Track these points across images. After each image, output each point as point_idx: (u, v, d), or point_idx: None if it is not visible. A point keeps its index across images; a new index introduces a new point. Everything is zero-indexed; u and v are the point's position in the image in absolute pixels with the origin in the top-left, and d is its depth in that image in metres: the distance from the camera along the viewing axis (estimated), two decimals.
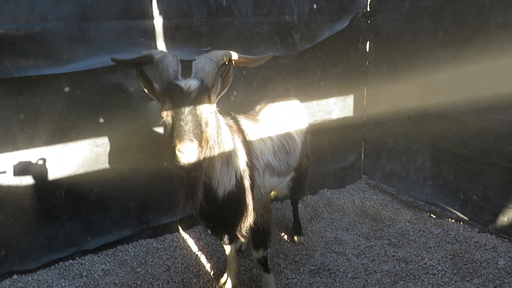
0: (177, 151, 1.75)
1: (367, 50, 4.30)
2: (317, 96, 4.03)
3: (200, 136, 1.84)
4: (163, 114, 1.90)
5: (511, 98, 3.07)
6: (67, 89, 2.84)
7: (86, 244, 3.28)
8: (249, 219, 2.39)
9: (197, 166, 1.85)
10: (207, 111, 1.91)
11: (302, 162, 3.12)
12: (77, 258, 3.27)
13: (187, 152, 1.74)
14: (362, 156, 4.76)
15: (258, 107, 2.97)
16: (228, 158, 2.17)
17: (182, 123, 1.79)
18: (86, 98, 2.93)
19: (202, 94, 1.87)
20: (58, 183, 3.03)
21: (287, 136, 2.88)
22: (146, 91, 2.05)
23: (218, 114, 2.14)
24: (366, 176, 4.79)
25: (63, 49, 2.74)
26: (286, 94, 3.32)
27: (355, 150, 4.60)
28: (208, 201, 2.15)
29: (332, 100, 4.17)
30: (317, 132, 4.11)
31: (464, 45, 3.34)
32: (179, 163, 1.78)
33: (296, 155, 2.97)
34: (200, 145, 1.84)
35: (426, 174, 3.98)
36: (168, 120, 1.88)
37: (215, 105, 2.02)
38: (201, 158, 1.88)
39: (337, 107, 4.24)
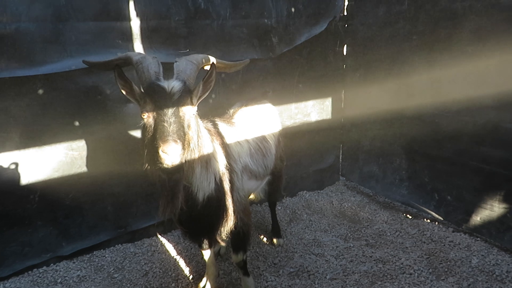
0: (160, 153, 1.73)
1: (345, 53, 4.36)
2: (295, 98, 4.06)
3: (183, 138, 1.83)
4: (144, 115, 1.88)
5: (482, 101, 3.16)
6: (41, 91, 2.77)
7: (61, 250, 3.20)
8: (229, 223, 2.39)
9: (180, 168, 1.85)
10: (190, 113, 1.91)
11: (277, 164, 3.15)
12: (52, 264, 3.19)
13: (172, 154, 1.73)
14: (340, 158, 4.82)
15: (231, 111, 2.98)
16: (207, 161, 2.16)
17: (166, 124, 1.78)
18: (60, 101, 2.87)
19: (184, 96, 1.87)
20: (32, 187, 2.94)
21: (262, 139, 2.90)
22: (124, 93, 2.01)
23: (198, 118, 2.13)
24: (344, 178, 4.85)
25: (36, 51, 2.68)
26: (264, 96, 3.33)
27: (333, 152, 4.66)
28: (188, 205, 2.13)
29: (310, 103, 4.21)
30: (296, 134, 4.14)
31: (438, 49, 3.42)
32: (163, 164, 1.77)
33: (272, 157, 3.00)
34: (183, 147, 1.82)
35: (402, 175, 4.05)
36: (150, 122, 1.86)
37: (196, 107, 2.01)
38: (184, 161, 1.87)
39: (315, 110, 4.28)
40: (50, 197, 3.03)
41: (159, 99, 1.83)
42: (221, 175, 2.30)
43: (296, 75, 4.00)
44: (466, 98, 3.25)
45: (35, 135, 2.84)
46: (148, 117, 1.87)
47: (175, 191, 1.91)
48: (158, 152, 1.74)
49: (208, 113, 3.45)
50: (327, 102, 4.36)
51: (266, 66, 3.78)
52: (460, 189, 3.50)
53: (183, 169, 1.89)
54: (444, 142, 3.54)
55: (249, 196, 3.08)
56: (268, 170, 2.98)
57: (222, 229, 2.41)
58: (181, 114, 1.85)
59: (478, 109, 3.22)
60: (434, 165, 3.69)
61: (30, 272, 3.10)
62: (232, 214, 2.39)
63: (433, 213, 3.76)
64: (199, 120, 2.13)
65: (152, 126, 1.84)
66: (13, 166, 2.84)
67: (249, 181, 2.71)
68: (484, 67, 3.09)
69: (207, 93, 2.05)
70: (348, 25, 4.25)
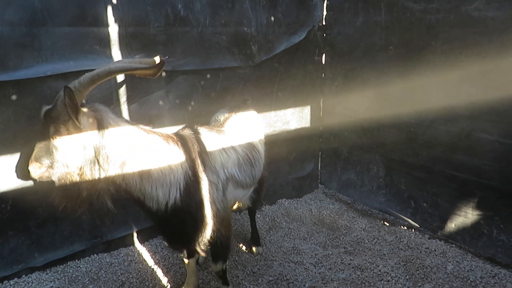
0: None
1: (323, 62, 4.42)
2: (275, 106, 4.08)
3: (44, 157, 2.07)
4: None
5: (456, 110, 3.26)
6: (14, 97, 2.69)
7: (34, 260, 3.09)
8: (205, 234, 2.40)
9: (47, 178, 2.13)
10: (53, 136, 2.02)
11: (263, 173, 3.14)
12: (23, 276, 3.07)
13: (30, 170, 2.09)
14: (319, 166, 4.85)
15: (222, 118, 2.96)
16: (145, 174, 2.16)
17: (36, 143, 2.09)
18: (35, 107, 2.78)
19: (46, 122, 2.03)
20: (3, 196, 2.83)
21: (252, 148, 2.87)
22: None
23: (127, 131, 2.13)
24: (323, 186, 4.88)
25: (10, 55, 2.60)
26: (244, 104, 3.33)
27: (312, 160, 4.69)
28: (152, 215, 2.31)
29: (289, 111, 4.23)
30: (275, 142, 4.15)
31: (413, 60, 3.51)
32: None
33: (260, 167, 2.98)
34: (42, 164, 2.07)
35: (379, 183, 4.11)
36: None
37: (78, 130, 2.02)
38: (54, 175, 2.08)
39: (294, 118, 4.31)
40: (22, 206, 2.92)
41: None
42: (187, 186, 2.28)
43: (275, 83, 4.03)
44: (441, 108, 3.34)
45: (7, 142, 2.74)
46: None
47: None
48: None
49: (187, 120, 3.45)
50: (306, 110, 4.39)
51: (246, 74, 3.79)
52: (436, 196, 3.57)
53: (72, 180, 2.08)
54: (420, 150, 3.62)
55: (235, 204, 3.05)
56: (256, 179, 2.96)
57: (199, 239, 2.40)
58: (45, 136, 2.05)
59: (452, 118, 3.31)
60: (410, 173, 3.76)
61: (0, 284, 2.98)
62: (206, 226, 2.39)
63: (410, 220, 3.83)
64: (126, 135, 2.12)
65: None
66: None
67: (236, 190, 2.69)
68: (457, 77, 3.19)
69: (78, 113, 1.98)
70: (327, 34, 4.31)
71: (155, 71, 2.18)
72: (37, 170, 2.08)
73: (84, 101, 2.18)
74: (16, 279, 3.04)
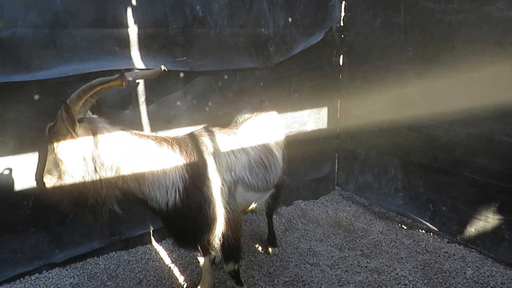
0: None
1: (341, 63, 4.39)
2: (291, 108, 4.08)
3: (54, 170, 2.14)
4: None
5: (476, 112, 3.19)
6: (36, 97, 2.76)
7: (54, 257, 3.17)
8: (208, 234, 2.44)
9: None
10: (58, 150, 2.10)
11: (282, 178, 3.11)
12: (44, 271, 3.15)
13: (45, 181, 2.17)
14: (336, 168, 4.82)
15: (241, 119, 2.97)
16: (144, 177, 2.24)
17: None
18: (56, 107, 2.83)
19: (51, 136, 2.11)
20: (25, 193, 2.92)
21: (267, 152, 2.85)
22: None
23: (118, 136, 2.19)
24: (339, 187, 4.84)
25: (33, 56, 2.67)
26: (261, 105, 3.33)
27: (329, 161, 4.66)
28: (155, 214, 2.39)
29: (306, 112, 4.22)
30: (291, 143, 4.11)
31: (433, 61, 3.46)
32: None
33: (277, 171, 2.94)
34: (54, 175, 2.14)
35: (397, 186, 4.06)
36: None
37: (72, 140, 2.09)
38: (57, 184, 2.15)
39: (311, 119, 4.29)
40: (43, 204, 3.00)
41: None
42: (186, 188, 2.32)
43: (292, 84, 4.02)
44: (460, 110, 3.28)
45: (30, 141, 2.82)
46: None
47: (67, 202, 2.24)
48: None
49: (204, 121, 3.48)
50: (323, 112, 4.38)
51: (263, 75, 3.79)
52: (455, 200, 3.51)
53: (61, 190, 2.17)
54: (439, 153, 3.56)
55: (249, 206, 3.04)
56: (271, 184, 2.92)
57: (204, 239, 2.45)
58: (51, 150, 2.13)
59: (472, 120, 3.25)
60: (429, 175, 3.70)
61: (22, 279, 3.06)
62: (211, 226, 2.42)
63: (428, 224, 3.77)
64: (102, 144, 2.15)
65: None
66: (6, 172, 2.82)
67: (247, 192, 2.68)
68: (478, 79, 3.13)
69: (75, 127, 2.07)
70: (345, 35, 4.29)
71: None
72: (49, 181, 2.17)
73: (82, 116, 2.26)
74: (37, 274, 3.12)
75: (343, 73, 4.40)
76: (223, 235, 2.50)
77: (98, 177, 2.16)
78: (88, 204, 2.20)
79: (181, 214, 2.35)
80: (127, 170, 2.21)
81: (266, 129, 2.99)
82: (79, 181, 2.14)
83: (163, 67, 2.52)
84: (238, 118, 3.02)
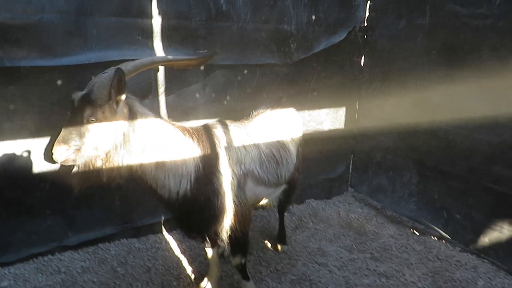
0: None
1: (362, 64, 4.35)
2: (309, 106, 4.06)
3: (75, 140, 2.05)
4: None
5: (498, 120, 3.13)
6: (59, 82, 2.81)
7: (67, 240, 3.23)
8: (216, 226, 2.44)
9: (70, 162, 2.11)
10: (89, 119, 2.05)
11: (294, 174, 3.10)
12: (57, 253, 3.22)
13: (55, 153, 2.05)
14: (350, 169, 4.78)
15: (254, 113, 2.97)
16: (164, 164, 2.24)
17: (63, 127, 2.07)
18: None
19: (83, 104, 2.05)
20: (43, 176, 2.98)
21: (280, 146, 2.85)
22: None
23: (136, 124, 2.17)
24: (353, 189, 4.81)
25: (58, 42, 2.72)
26: (279, 102, 3.33)
27: (344, 162, 4.63)
28: (164, 202, 2.37)
29: (324, 111, 4.20)
30: (307, 141, 4.10)
31: (456, 65, 3.40)
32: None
33: (289, 166, 2.94)
34: (70, 147, 2.05)
35: (411, 190, 4.02)
36: None
37: (114, 113, 2.09)
38: (78, 159, 2.09)
39: (328, 118, 4.27)
40: (60, 187, 3.05)
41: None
42: (198, 178, 2.34)
43: (311, 82, 4.00)
44: (482, 116, 3.22)
45: (50, 125, 2.87)
46: None
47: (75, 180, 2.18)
48: None
49: (222, 115, 3.49)
50: (341, 112, 4.34)
51: (282, 71, 3.78)
52: (470, 208, 3.45)
53: (96, 165, 2.12)
54: (457, 159, 3.51)
55: (260, 201, 3.04)
56: (282, 179, 2.91)
57: (211, 230, 2.46)
58: (79, 120, 2.05)
59: (493, 128, 3.18)
60: (444, 181, 3.65)
61: (35, 259, 3.13)
62: (218, 218, 2.42)
63: (441, 231, 3.72)
64: (138, 125, 2.18)
65: None
66: (26, 154, 2.88)
67: (257, 187, 2.68)
68: (503, 86, 3.06)
69: (122, 97, 2.09)
70: (368, 36, 4.24)
71: (200, 62, 2.40)
72: (63, 152, 2.06)
73: None
74: (50, 256, 3.19)
75: (364, 73, 4.35)
76: (231, 228, 2.50)
77: (122, 155, 2.13)
78: (99, 181, 2.16)
79: (190, 204, 2.35)
80: (150, 154, 2.20)
81: (280, 124, 2.99)
82: (101, 155, 2.11)
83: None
84: (253, 113, 3.02)
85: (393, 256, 3.47)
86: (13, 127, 2.76)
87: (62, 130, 2.05)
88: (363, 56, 4.32)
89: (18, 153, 2.85)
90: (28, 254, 3.08)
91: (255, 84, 3.65)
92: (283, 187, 3.07)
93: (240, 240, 2.59)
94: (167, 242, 3.54)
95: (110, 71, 2.11)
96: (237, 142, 2.56)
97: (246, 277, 2.81)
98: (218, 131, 2.51)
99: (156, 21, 3.03)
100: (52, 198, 3.06)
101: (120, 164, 2.14)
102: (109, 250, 3.37)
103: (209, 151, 2.40)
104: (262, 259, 3.38)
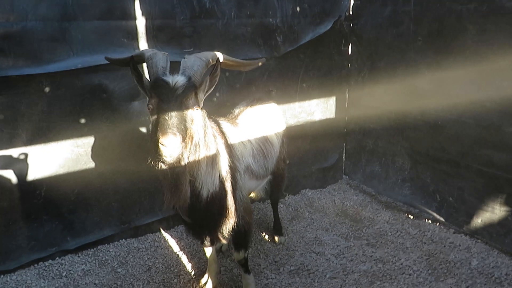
0: (160, 145, 1.79)
1: (350, 53, 4.36)
2: (299, 97, 4.08)
3: (184, 131, 1.87)
4: (149, 108, 1.96)
5: (485, 104, 3.16)
6: (47, 89, 2.81)
7: (67, 244, 3.26)
8: (231, 220, 2.42)
9: (180, 161, 1.90)
10: (194, 108, 1.96)
11: (279, 165, 3.17)
12: (57, 258, 3.25)
13: (169, 146, 1.78)
14: (344, 157, 4.83)
15: (237, 111, 3.00)
16: (213, 158, 2.20)
17: (167, 117, 1.83)
18: (67, 99, 2.91)
19: (188, 91, 1.92)
20: (38, 183, 3.00)
21: (265, 141, 2.92)
22: (138, 86, 2.09)
23: (206, 115, 2.18)
24: (347, 177, 4.86)
25: (43, 49, 2.72)
26: (268, 95, 3.35)
27: (337, 151, 4.67)
28: (192, 202, 2.19)
29: (314, 102, 4.22)
30: (299, 133, 4.17)
31: (443, 51, 3.42)
32: (162, 157, 1.82)
33: (273, 159, 3.02)
34: (184, 140, 1.87)
35: (404, 176, 4.06)
36: (153, 115, 1.93)
37: (202, 103, 2.07)
38: (185, 154, 1.92)
39: (319, 109, 4.29)
40: (55, 192, 3.09)
41: (163, 93, 1.89)
42: (226, 173, 2.34)
43: (300, 74, 4.01)
44: (470, 101, 3.25)
45: (41, 132, 2.89)
46: (152, 110, 1.94)
47: (177, 184, 1.97)
48: (158, 145, 1.80)
49: (212, 111, 3.49)
50: (331, 101, 4.37)
51: (270, 65, 3.79)
52: (462, 191, 3.51)
53: (184, 163, 1.94)
54: (447, 144, 3.55)
55: (249, 194, 3.11)
56: (269, 171, 3.01)
57: (224, 226, 2.44)
58: (183, 108, 1.90)
59: (482, 112, 3.22)
60: (436, 166, 3.70)
61: (36, 265, 3.17)
62: (234, 212, 2.42)
63: (435, 214, 3.78)
64: (206, 117, 2.18)
65: (155, 119, 1.91)
66: (20, 162, 2.89)
67: (250, 180, 2.75)
68: (488, 70, 3.09)
69: (212, 89, 2.11)
70: (354, 24, 4.24)
71: (252, 65, 2.56)
72: (178, 145, 1.81)
73: None
74: (50, 260, 3.22)
75: (352, 62, 4.37)
76: (241, 221, 2.52)
77: (201, 149, 2.05)
78: (185, 186, 2.01)
79: (216, 199, 2.28)
80: (211, 150, 2.15)
81: (263, 118, 3.04)
82: (193, 150, 1.98)
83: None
84: (233, 110, 3.03)
85: (389, 241, 3.53)
86: (4, 137, 2.77)
87: (164, 119, 1.82)
88: (350, 45, 4.33)
89: (11, 162, 2.86)
90: (28, 260, 3.11)
91: (243, 79, 3.66)
92: (268, 178, 3.14)
93: (248, 232, 2.62)
94: (165, 240, 3.58)
95: (204, 56, 2.07)
96: (237, 138, 2.61)
97: (247, 271, 2.86)
98: (223, 128, 2.54)
99: (141, 22, 3.03)
100: (48, 204, 3.09)
101: (198, 160, 2.02)
102: (109, 251, 3.41)
103: (227, 147, 2.43)
104: (261, 252, 3.43)
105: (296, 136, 4.07)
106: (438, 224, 3.73)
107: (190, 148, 1.98)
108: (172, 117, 1.84)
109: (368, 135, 4.40)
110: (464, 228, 3.54)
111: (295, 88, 4.03)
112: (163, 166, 1.91)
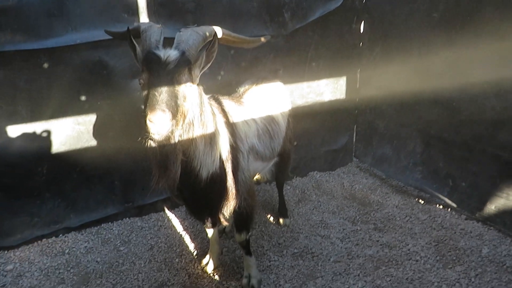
0: (147, 121, 1.71)
1: (361, 31, 4.18)
2: (308, 77, 3.94)
3: (175, 108, 1.79)
4: (140, 82, 1.88)
5: (504, 84, 2.99)
6: (46, 65, 2.77)
7: (70, 221, 3.28)
8: (232, 202, 2.37)
9: (169, 139, 1.82)
10: (187, 84, 1.87)
11: (285, 146, 3.08)
12: (61, 235, 3.27)
13: (157, 123, 1.71)
14: (354, 139, 4.70)
15: (242, 90, 2.91)
16: (211, 138, 2.13)
17: (156, 93, 1.75)
18: (66, 75, 2.87)
19: (181, 66, 1.83)
20: (39, 160, 3.00)
21: (271, 120, 2.82)
22: (135, 60, 2.02)
23: (203, 92, 2.09)
24: (357, 159, 4.74)
25: (40, 24, 2.67)
26: (275, 75, 3.24)
27: (347, 133, 4.54)
28: (190, 183, 2.13)
29: (323, 82, 4.08)
30: (307, 114, 4.05)
31: (459, 28, 3.23)
32: (150, 133, 1.74)
33: (279, 139, 2.92)
34: (175, 118, 1.80)
35: (416, 159, 3.93)
36: (144, 90, 1.85)
37: (198, 79, 1.98)
38: (176, 132, 1.84)
39: (328, 89, 4.15)
40: (57, 170, 3.08)
41: (154, 67, 1.81)
42: (227, 153, 2.27)
43: (309, 52, 3.87)
44: (486, 82, 3.08)
45: (41, 109, 2.87)
46: (143, 85, 1.87)
47: (166, 164, 1.88)
48: (146, 121, 1.72)
49: (216, 90, 3.41)
50: (341, 82, 4.22)
51: (278, 43, 3.66)
52: (476, 176, 3.36)
53: (175, 141, 1.85)
54: (461, 127, 3.39)
55: (254, 176, 3.03)
56: (275, 152, 2.92)
57: (225, 208, 2.39)
58: (175, 84, 1.81)
59: (499, 93, 3.05)
60: (449, 150, 3.54)
61: (39, 241, 3.20)
62: (235, 194, 2.36)
63: (446, 199, 3.64)
64: (203, 94, 2.09)
65: (145, 95, 1.83)
66: (20, 139, 2.88)
67: (255, 162, 2.66)
68: (508, 48, 2.90)
69: (208, 65, 2.01)
70: (366, 0, 4.05)
71: (255, 42, 2.46)
72: (167, 123, 1.73)
73: None
74: (54, 237, 3.25)
75: (364, 41, 4.19)
76: (243, 203, 2.45)
77: (196, 128, 1.98)
78: (176, 165, 1.91)
79: (217, 179, 2.21)
80: (208, 128, 2.08)
81: (269, 98, 2.95)
82: (185, 128, 1.91)
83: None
84: (239, 88, 2.95)
85: (397, 226, 3.43)
86: (3, 113, 2.76)
87: (154, 94, 1.74)
88: (363, 23, 4.14)
89: (12, 139, 2.85)
90: (32, 237, 3.14)
91: (249, 57, 3.55)
92: (275, 160, 3.06)
93: (250, 214, 2.56)
94: (169, 220, 3.57)
95: (201, 30, 1.98)
96: (241, 117, 2.52)
97: (249, 253, 2.81)
98: (225, 107, 2.45)
99: None
100: (51, 181, 3.09)
101: (191, 138, 1.95)
102: (112, 229, 3.41)
103: (229, 127, 2.35)
104: (264, 233, 3.38)
105: (304, 117, 3.96)
106: (449, 209, 3.60)
107: (183, 126, 1.90)
108: (162, 93, 1.76)
109: (379, 117, 4.26)
110: (477, 214, 3.40)
111: (304, 67, 3.90)
112: (152, 144, 1.84)
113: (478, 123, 3.25)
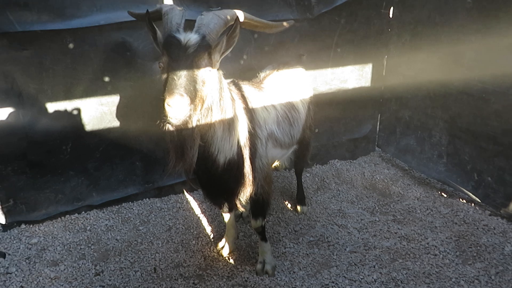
0: (166, 105, 1.72)
1: (391, 16, 4.03)
2: (332, 63, 3.85)
3: (193, 93, 1.79)
4: (160, 66, 1.89)
5: None
6: (71, 45, 2.81)
7: (92, 199, 3.36)
8: (248, 189, 2.37)
9: (187, 123, 1.82)
10: (206, 68, 1.86)
11: (305, 134, 3.05)
12: (83, 212, 3.37)
13: (175, 107, 1.71)
14: (377, 128, 4.59)
15: (262, 75, 2.88)
16: (230, 124, 2.12)
17: (175, 77, 1.75)
18: (90, 55, 2.90)
19: (201, 50, 1.82)
20: (64, 139, 3.07)
21: (291, 107, 2.79)
22: (154, 43, 2.02)
23: (223, 77, 2.07)
24: (380, 149, 4.64)
25: (66, 4, 2.69)
26: (298, 60, 3.18)
27: (370, 121, 4.43)
28: (207, 168, 2.15)
29: (348, 68, 3.98)
30: (330, 101, 3.98)
31: (494, 15, 3.07)
32: (167, 118, 1.75)
33: (299, 127, 2.88)
34: (193, 102, 1.79)
35: (441, 151, 3.81)
36: (164, 74, 1.85)
37: (218, 64, 1.97)
38: (194, 117, 1.84)
39: (353, 76, 4.05)
40: (81, 149, 3.15)
41: (174, 51, 1.80)
42: (245, 139, 2.26)
43: (334, 38, 3.76)
44: None
45: (66, 89, 2.92)
46: (162, 69, 1.87)
47: (183, 148, 1.89)
48: (164, 105, 1.73)
49: (238, 74, 3.39)
50: (367, 69, 4.10)
51: (302, 27, 3.58)
52: (503, 171, 3.24)
53: (192, 125, 1.85)
54: (491, 120, 3.26)
55: (273, 163, 3.01)
56: (295, 139, 2.89)
57: (241, 194, 2.39)
58: (194, 68, 1.80)
59: None
60: (476, 143, 3.42)
61: (62, 217, 3.30)
62: (252, 181, 2.35)
63: (470, 194, 3.54)
64: (223, 79, 2.08)
65: (165, 79, 1.83)
66: (46, 118, 2.95)
67: (274, 149, 2.65)
68: None
69: (230, 49, 1.99)
70: None
71: (278, 27, 2.36)
72: (186, 107, 1.73)
73: None
74: (76, 214, 3.35)
75: (392, 26, 4.05)
76: (260, 190, 2.46)
77: (215, 113, 1.97)
78: (193, 149, 1.92)
79: (232, 168, 2.22)
80: (228, 114, 2.07)
81: (290, 84, 2.90)
82: (204, 113, 1.90)
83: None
84: (259, 73, 2.91)
85: (417, 219, 3.36)
86: (30, 92, 2.82)
87: (173, 78, 1.73)
88: (392, 8, 3.99)
89: (37, 117, 2.92)
90: (56, 212, 3.25)
91: (273, 42, 3.49)
92: (294, 147, 3.03)
93: (266, 201, 2.56)
94: (188, 202, 3.61)
95: (223, 13, 1.97)
96: (260, 103, 2.50)
97: (264, 239, 2.82)
98: (245, 92, 2.43)
99: None
100: (74, 160, 3.17)
101: (210, 123, 1.95)
102: (132, 209, 3.48)
103: (248, 112, 2.34)
104: (281, 220, 3.38)
105: (327, 104, 3.89)
106: (473, 204, 3.50)
107: (201, 111, 1.90)
108: (181, 77, 1.75)
109: (405, 106, 4.14)
110: (502, 210, 3.29)
111: (328, 53, 3.80)
112: (170, 128, 1.84)
113: (508, 117, 3.12)
